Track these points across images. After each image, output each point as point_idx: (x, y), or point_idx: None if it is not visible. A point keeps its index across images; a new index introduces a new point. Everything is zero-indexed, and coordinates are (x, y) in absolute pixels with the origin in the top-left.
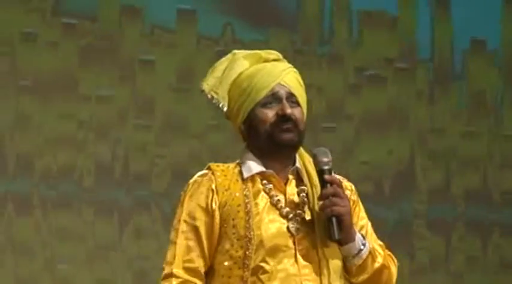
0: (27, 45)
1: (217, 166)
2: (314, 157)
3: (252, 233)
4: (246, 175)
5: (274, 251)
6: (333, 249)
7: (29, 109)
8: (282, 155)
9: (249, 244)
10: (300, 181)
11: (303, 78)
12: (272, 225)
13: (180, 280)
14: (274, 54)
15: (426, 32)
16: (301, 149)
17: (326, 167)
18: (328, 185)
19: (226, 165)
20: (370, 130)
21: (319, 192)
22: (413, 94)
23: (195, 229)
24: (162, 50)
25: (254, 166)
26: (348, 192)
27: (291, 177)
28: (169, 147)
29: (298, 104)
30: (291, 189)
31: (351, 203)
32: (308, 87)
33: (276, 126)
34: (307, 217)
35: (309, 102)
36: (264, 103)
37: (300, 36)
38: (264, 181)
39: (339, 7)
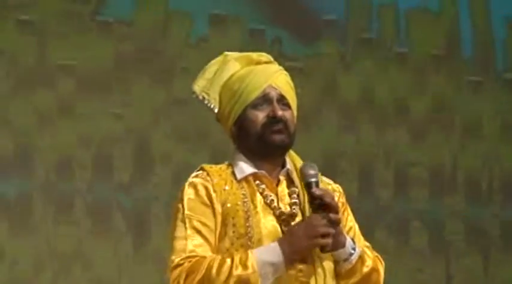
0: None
1: (210, 167)
2: (301, 171)
3: (251, 231)
4: (239, 176)
5: None
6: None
7: None
8: (272, 156)
9: (249, 243)
10: (290, 183)
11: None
12: (268, 224)
13: (192, 259)
14: (265, 56)
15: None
16: (292, 152)
17: (313, 179)
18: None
19: (218, 166)
20: None
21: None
22: None
23: (203, 224)
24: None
25: (246, 168)
26: (336, 194)
27: (282, 178)
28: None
29: (288, 107)
30: (282, 189)
31: (340, 205)
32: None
33: (266, 127)
34: (299, 218)
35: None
36: (255, 105)
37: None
38: (257, 182)
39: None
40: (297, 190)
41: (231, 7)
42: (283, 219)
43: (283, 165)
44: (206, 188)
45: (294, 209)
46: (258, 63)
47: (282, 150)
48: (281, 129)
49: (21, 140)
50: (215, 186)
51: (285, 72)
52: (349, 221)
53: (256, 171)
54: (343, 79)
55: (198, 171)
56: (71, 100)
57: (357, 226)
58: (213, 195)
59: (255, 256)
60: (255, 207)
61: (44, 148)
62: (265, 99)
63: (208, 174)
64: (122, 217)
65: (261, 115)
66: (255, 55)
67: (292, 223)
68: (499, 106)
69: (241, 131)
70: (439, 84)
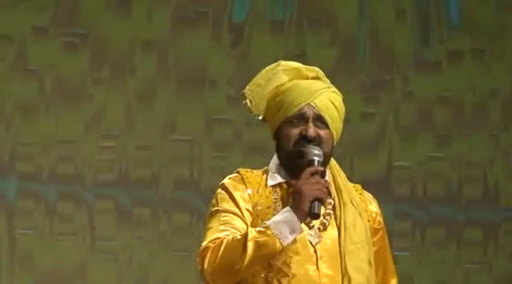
0: None
1: (246, 171)
2: (304, 152)
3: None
4: (270, 183)
5: (296, 256)
6: (360, 266)
7: None
8: (302, 171)
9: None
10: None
11: None
12: None
13: (217, 240)
14: (314, 71)
15: None
16: (335, 164)
17: (316, 158)
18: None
19: (254, 171)
20: None
21: (348, 210)
22: None
23: (232, 218)
24: None
25: (279, 176)
26: (373, 215)
27: None
28: None
29: (326, 125)
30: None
31: (376, 224)
32: None
33: (298, 145)
34: (332, 229)
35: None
36: (291, 121)
37: None
38: (291, 189)
39: None
40: (332, 201)
41: None
42: (312, 227)
43: (322, 177)
44: (238, 189)
45: (326, 219)
46: (306, 78)
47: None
48: (316, 148)
49: None
50: (249, 187)
51: (332, 89)
52: (380, 241)
53: (288, 180)
54: None
55: (234, 174)
56: None
57: (389, 250)
58: (244, 195)
59: (271, 221)
60: (262, 209)
61: None
62: (301, 117)
63: (242, 178)
64: None
65: (294, 132)
66: (304, 69)
67: (323, 235)
68: None
69: (278, 143)
70: None
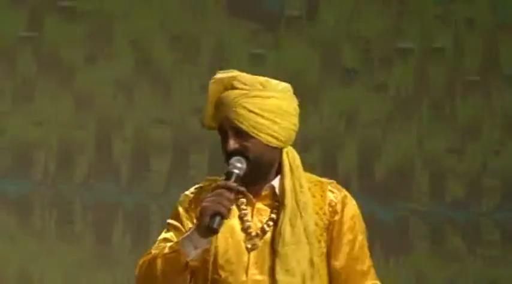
0: None
1: (209, 179)
2: (229, 164)
3: (212, 245)
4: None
5: (227, 264)
6: (291, 267)
7: None
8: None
9: (207, 257)
10: (276, 197)
11: None
12: (231, 238)
13: (148, 255)
14: (230, 80)
15: None
16: (290, 163)
17: (235, 171)
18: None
19: (215, 178)
20: None
21: (287, 211)
22: None
23: (177, 229)
24: None
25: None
26: (327, 209)
27: (264, 193)
28: None
29: (248, 135)
30: (262, 204)
31: (329, 219)
32: None
33: (227, 159)
34: (270, 234)
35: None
36: (221, 137)
37: None
38: (239, 196)
39: None
40: (277, 204)
41: None
42: (249, 233)
43: (238, 190)
44: (185, 207)
45: (267, 225)
46: (226, 88)
47: (246, 178)
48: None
49: None
50: (199, 202)
51: (252, 94)
52: (343, 236)
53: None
54: None
55: (195, 186)
56: None
57: (358, 246)
58: (191, 213)
59: (182, 237)
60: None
61: None
62: (224, 132)
63: (197, 190)
64: None
65: (223, 148)
66: (226, 79)
67: (261, 240)
68: None
69: None
70: None
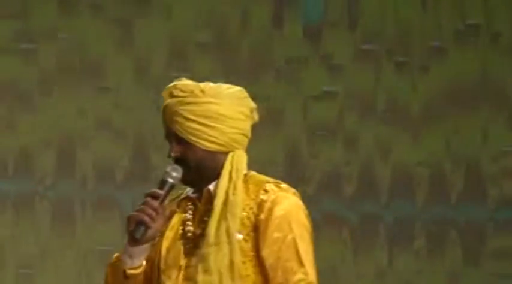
0: None
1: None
2: (166, 171)
3: (156, 252)
4: (182, 196)
5: (167, 269)
6: (209, 267)
7: None
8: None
9: (153, 264)
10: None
11: None
12: (173, 243)
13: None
14: (170, 88)
15: None
16: (229, 165)
17: (169, 179)
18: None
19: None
20: None
21: (214, 214)
22: None
23: None
24: None
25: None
26: (252, 209)
27: (205, 196)
28: None
29: (187, 141)
30: (203, 207)
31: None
32: None
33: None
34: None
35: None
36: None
37: None
38: (189, 203)
39: None
40: (211, 207)
41: None
42: (188, 237)
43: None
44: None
45: (201, 227)
46: (165, 100)
47: (188, 184)
48: (181, 168)
49: None
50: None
51: (186, 100)
52: (272, 236)
53: (189, 194)
54: None
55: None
56: None
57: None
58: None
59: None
60: (169, 228)
61: None
62: (168, 140)
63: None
64: None
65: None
66: (168, 88)
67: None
68: None
69: None
70: None
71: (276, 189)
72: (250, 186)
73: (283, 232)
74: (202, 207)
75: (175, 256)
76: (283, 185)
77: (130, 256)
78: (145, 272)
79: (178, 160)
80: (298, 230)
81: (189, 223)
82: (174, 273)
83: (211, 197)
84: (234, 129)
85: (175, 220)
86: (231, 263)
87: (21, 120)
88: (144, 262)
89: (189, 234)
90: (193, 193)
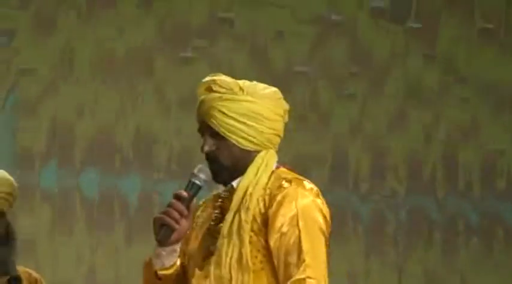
0: None
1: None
2: (195, 173)
3: (182, 246)
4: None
5: (192, 266)
6: (221, 261)
7: None
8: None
9: (183, 257)
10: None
11: None
12: (196, 240)
13: None
14: (207, 83)
15: None
16: (255, 165)
17: (196, 181)
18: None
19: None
20: None
21: (232, 208)
22: None
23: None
24: None
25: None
26: (261, 204)
27: (231, 192)
28: None
29: (222, 137)
30: (228, 204)
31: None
32: None
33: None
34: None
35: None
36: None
37: None
38: (220, 200)
39: None
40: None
41: None
42: (210, 235)
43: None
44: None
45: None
46: (201, 93)
47: (217, 182)
48: (213, 167)
49: None
50: (198, 209)
51: (225, 97)
52: (281, 229)
53: (219, 191)
54: None
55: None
56: None
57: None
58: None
59: None
60: (197, 224)
61: None
62: (201, 132)
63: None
64: None
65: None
66: (206, 82)
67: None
68: None
69: None
70: None
71: (292, 185)
72: (272, 181)
73: (290, 226)
74: (228, 203)
75: (198, 252)
76: (305, 182)
77: (159, 257)
78: (183, 267)
79: (210, 156)
80: (307, 226)
81: (215, 222)
82: (197, 270)
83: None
84: (271, 130)
85: (205, 217)
86: (240, 255)
87: None
88: (178, 262)
89: (214, 233)
90: (224, 190)
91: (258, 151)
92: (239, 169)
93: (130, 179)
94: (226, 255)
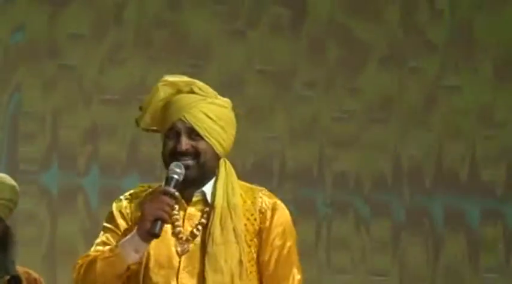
0: None
1: (142, 186)
2: (169, 168)
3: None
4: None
5: (158, 269)
6: (220, 267)
7: None
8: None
9: (140, 261)
10: (206, 203)
11: None
12: (162, 243)
13: (87, 257)
14: (189, 85)
15: None
16: (225, 168)
17: (174, 175)
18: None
19: (150, 186)
20: None
21: (217, 212)
22: None
23: (112, 236)
24: None
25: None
26: (258, 216)
27: (195, 198)
28: None
29: (201, 137)
30: (194, 209)
31: (260, 226)
32: None
33: (172, 158)
34: (199, 238)
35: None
36: (168, 136)
37: None
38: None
39: None
40: (207, 209)
41: None
42: (180, 238)
43: (173, 196)
44: (123, 207)
45: (196, 229)
46: (180, 92)
47: (188, 181)
48: (188, 163)
49: None
50: (133, 207)
51: (208, 100)
52: (272, 241)
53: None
54: None
55: (128, 192)
56: None
57: (285, 252)
58: (126, 212)
59: (121, 240)
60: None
61: None
62: (173, 132)
63: (131, 194)
64: None
65: (169, 146)
66: (181, 83)
67: (191, 244)
68: None
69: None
70: None
71: (269, 195)
72: (242, 191)
73: (283, 239)
74: (194, 208)
75: (168, 257)
76: (269, 192)
77: (136, 251)
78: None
79: (189, 151)
80: (292, 237)
81: (178, 224)
82: (169, 274)
83: (205, 199)
84: (233, 137)
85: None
86: (240, 262)
87: None
88: None
89: (182, 235)
90: (176, 192)
91: (219, 159)
92: (207, 173)
93: None
94: (226, 262)
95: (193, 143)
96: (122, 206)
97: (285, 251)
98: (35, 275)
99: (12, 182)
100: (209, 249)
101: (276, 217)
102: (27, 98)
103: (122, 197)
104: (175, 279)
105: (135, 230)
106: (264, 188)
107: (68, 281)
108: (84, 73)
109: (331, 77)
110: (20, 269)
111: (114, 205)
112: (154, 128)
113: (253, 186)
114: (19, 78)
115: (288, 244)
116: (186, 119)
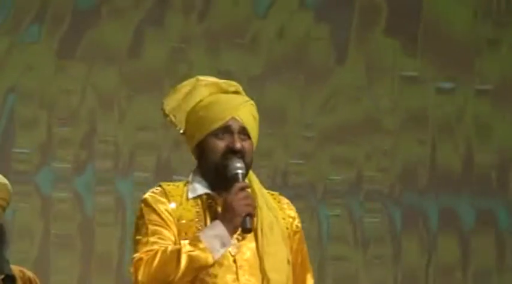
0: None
1: (168, 185)
2: (227, 166)
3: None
4: (190, 195)
5: (219, 267)
6: (278, 266)
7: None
8: (228, 183)
9: None
10: None
11: None
12: None
13: (150, 252)
14: (234, 86)
15: None
16: (252, 174)
17: (239, 171)
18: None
19: (176, 184)
20: None
21: (264, 214)
22: None
23: (161, 228)
24: None
25: (199, 188)
26: (290, 220)
27: None
28: None
29: (248, 137)
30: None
31: (294, 228)
32: None
33: (224, 158)
34: (250, 238)
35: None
36: (216, 134)
37: None
38: (210, 201)
39: None
40: None
41: None
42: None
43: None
44: (161, 202)
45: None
46: (226, 92)
47: (221, 184)
48: (239, 160)
49: None
50: (171, 202)
51: (250, 102)
52: (297, 243)
53: (209, 191)
54: None
55: (155, 187)
56: None
57: (305, 250)
58: (168, 209)
59: (202, 235)
60: (206, 225)
61: None
62: (226, 130)
63: (164, 192)
64: None
65: (221, 145)
66: (224, 83)
67: (241, 244)
68: None
69: (202, 155)
70: None
71: (288, 202)
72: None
73: (302, 244)
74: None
75: (223, 255)
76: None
77: (223, 245)
78: None
79: (242, 152)
80: (305, 243)
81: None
82: (225, 273)
83: None
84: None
85: (207, 215)
86: (288, 261)
87: None
88: None
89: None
90: (211, 190)
91: None
92: (249, 170)
93: None
94: (281, 262)
95: (242, 142)
96: (161, 200)
97: (305, 256)
98: (29, 274)
99: (4, 180)
100: (267, 249)
101: (298, 222)
102: None
103: (151, 193)
104: (235, 277)
105: (218, 225)
106: (277, 192)
107: (60, 280)
108: None
109: None
110: (14, 268)
111: (150, 199)
112: (174, 120)
113: (269, 191)
114: None
115: (305, 249)
116: (240, 118)
